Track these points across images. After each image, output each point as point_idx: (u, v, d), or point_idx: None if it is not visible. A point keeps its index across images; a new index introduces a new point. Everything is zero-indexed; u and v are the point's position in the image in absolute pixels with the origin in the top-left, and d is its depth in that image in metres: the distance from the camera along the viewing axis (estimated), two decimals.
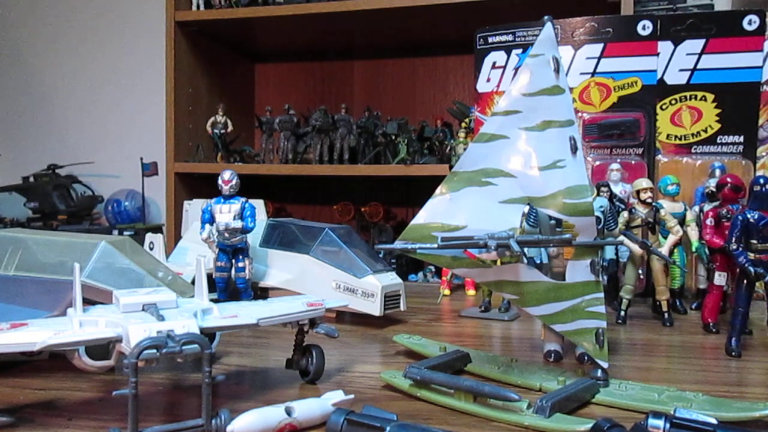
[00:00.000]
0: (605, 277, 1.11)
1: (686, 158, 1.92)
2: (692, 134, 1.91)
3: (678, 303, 1.70)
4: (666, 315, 1.56)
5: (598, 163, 1.96)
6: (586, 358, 1.18)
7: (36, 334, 0.84)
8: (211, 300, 1.00)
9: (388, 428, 0.79)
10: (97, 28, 3.64)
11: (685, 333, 1.50)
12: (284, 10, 2.77)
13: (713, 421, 0.78)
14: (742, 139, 1.87)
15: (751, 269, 1.24)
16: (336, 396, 0.92)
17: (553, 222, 1.08)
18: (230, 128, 2.90)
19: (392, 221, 3.22)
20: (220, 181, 1.55)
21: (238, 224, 1.52)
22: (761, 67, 1.85)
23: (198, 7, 2.92)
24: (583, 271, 1.04)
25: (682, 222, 1.64)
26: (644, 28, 1.93)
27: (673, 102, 1.92)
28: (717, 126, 1.89)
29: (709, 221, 1.49)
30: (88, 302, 0.95)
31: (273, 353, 1.28)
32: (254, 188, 1.94)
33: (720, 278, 1.47)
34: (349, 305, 1.49)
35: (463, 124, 2.54)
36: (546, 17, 1.03)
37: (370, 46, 3.33)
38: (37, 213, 3.23)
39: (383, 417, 0.82)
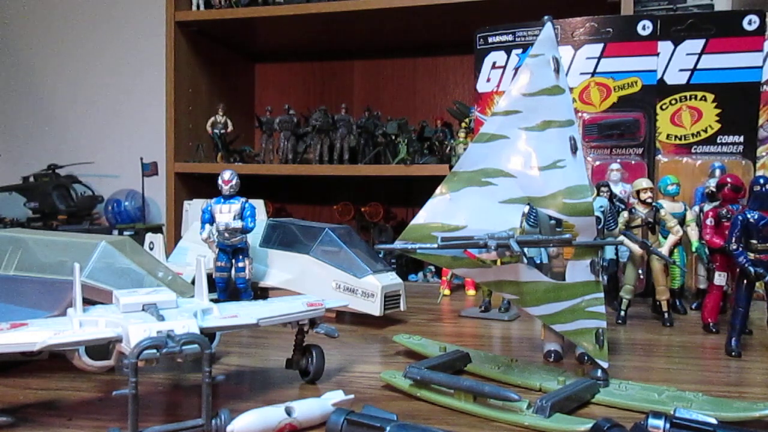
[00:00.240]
0: (605, 277, 1.11)
1: (686, 158, 1.92)
2: (692, 134, 1.91)
3: (678, 303, 1.70)
4: (666, 315, 1.56)
5: (598, 163, 1.96)
6: (586, 358, 1.18)
7: (36, 334, 0.84)
8: (211, 300, 1.00)
9: (388, 428, 0.79)
10: (97, 28, 3.64)
11: (685, 333, 1.50)
12: (284, 10, 2.77)
13: (713, 421, 0.78)
14: (742, 139, 1.87)
15: (751, 269, 1.24)
16: (336, 396, 0.92)
17: (553, 222, 1.08)
18: (230, 128, 2.90)
19: (392, 221, 3.22)
20: (220, 181, 1.55)
21: (238, 224, 1.52)
22: (761, 67, 1.85)
23: (198, 7, 2.92)
24: (583, 271, 1.04)
25: (682, 222, 1.64)
26: (644, 28, 1.93)
27: (673, 102, 1.92)
28: (717, 126, 1.89)
29: (709, 221, 1.49)
30: (88, 302, 0.95)
31: (273, 353, 1.28)
32: (254, 188, 1.94)
33: (720, 278, 1.47)
34: (349, 305, 1.49)
35: (463, 124, 2.54)
36: (546, 17, 1.03)
37: (370, 46, 3.33)
38: (37, 213, 3.23)
39: (383, 417, 0.82)
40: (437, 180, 1.05)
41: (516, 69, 2.05)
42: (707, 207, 1.59)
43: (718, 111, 1.89)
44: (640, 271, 1.63)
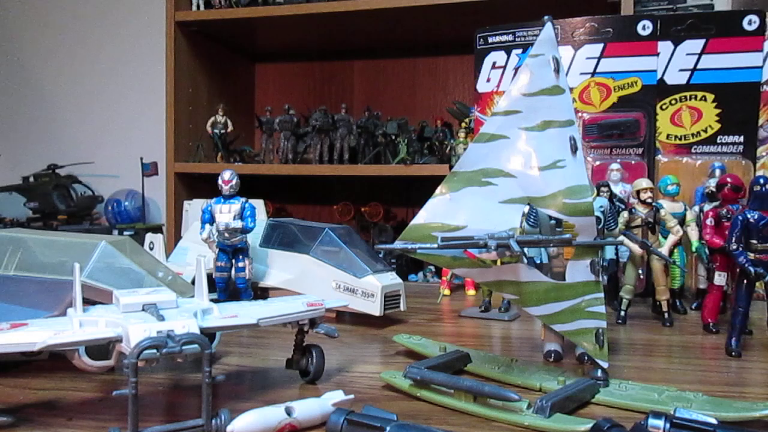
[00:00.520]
0: (605, 277, 1.11)
1: (686, 158, 1.92)
2: (692, 134, 1.91)
3: (678, 303, 1.70)
4: (666, 315, 1.56)
5: (598, 163, 1.96)
6: (586, 358, 1.18)
7: (36, 334, 0.84)
8: (211, 300, 1.00)
9: (388, 428, 0.79)
10: (97, 28, 3.64)
11: (685, 333, 1.50)
12: (284, 10, 2.77)
13: (713, 421, 0.78)
14: (742, 139, 1.87)
15: (751, 269, 1.24)
16: (336, 396, 0.92)
17: (553, 222, 1.08)
18: (230, 128, 2.90)
19: (392, 221, 3.21)
20: (220, 181, 1.55)
21: (238, 224, 1.52)
22: (761, 67, 1.85)
23: (198, 7, 2.91)
24: (583, 271, 1.04)
25: (682, 222, 1.64)
26: (644, 28, 1.93)
27: (673, 102, 1.92)
28: (717, 126, 1.89)
29: (709, 221, 1.49)
30: (88, 302, 0.95)
31: (273, 353, 1.28)
32: (254, 188, 1.94)
33: (720, 278, 1.47)
34: (349, 305, 1.49)
35: (463, 124, 2.54)
36: (546, 17, 1.03)
37: (370, 46, 3.33)
38: (37, 213, 3.23)
39: (383, 417, 0.82)
40: (437, 180, 1.05)
41: (516, 69, 2.05)
42: (707, 207, 1.59)
43: (718, 111, 1.89)
44: (640, 271, 1.63)
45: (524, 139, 1.02)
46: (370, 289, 1.50)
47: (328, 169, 2.79)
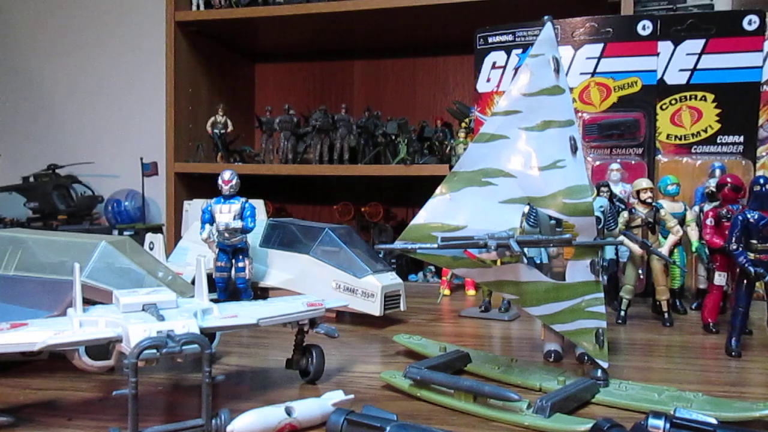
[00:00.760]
0: (605, 277, 1.11)
1: (686, 158, 1.92)
2: (692, 134, 1.91)
3: (678, 303, 1.70)
4: (666, 315, 1.56)
5: (598, 163, 1.96)
6: (586, 358, 1.18)
7: (36, 334, 0.84)
8: (211, 300, 1.00)
9: (388, 428, 0.79)
10: (97, 28, 3.64)
11: (685, 333, 1.50)
12: (284, 10, 2.77)
13: (713, 421, 0.78)
14: (742, 139, 1.87)
15: (751, 269, 1.24)
16: (336, 396, 0.92)
17: (553, 222, 1.08)
18: (230, 128, 2.90)
19: (392, 221, 3.21)
20: (220, 181, 1.55)
21: (238, 224, 1.52)
22: (761, 67, 1.85)
23: (198, 7, 2.91)
24: (583, 271, 1.04)
25: (682, 222, 1.64)
26: (644, 28, 1.93)
27: (673, 102, 1.92)
28: (717, 126, 1.89)
29: (709, 221, 1.49)
30: (88, 302, 0.95)
31: (273, 353, 1.28)
32: (254, 188, 1.94)
33: (720, 278, 1.47)
34: (349, 305, 1.49)
35: (463, 124, 2.54)
36: (546, 17, 1.03)
37: (370, 46, 3.33)
38: (37, 213, 3.23)
39: (383, 417, 0.82)
40: (437, 180, 1.05)
41: (516, 69, 2.05)
42: (707, 207, 1.59)
43: (718, 111, 1.89)
44: (640, 271, 1.63)
45: (524, 139, 1.02)
46: (370, 289, 1.50)
47: (328, 169, 2.79)
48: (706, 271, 1.68)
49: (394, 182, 3.05)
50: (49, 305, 1.12)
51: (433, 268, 2.71)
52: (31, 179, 3.27)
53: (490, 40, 2.13)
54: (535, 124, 1.02)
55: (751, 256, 1.26)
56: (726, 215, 1.46)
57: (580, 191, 0.99)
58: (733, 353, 1.28)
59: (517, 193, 1.01)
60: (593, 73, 1.98)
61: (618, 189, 1.80)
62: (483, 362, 1.17)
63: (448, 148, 2.65)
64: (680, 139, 1.92)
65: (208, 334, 0.91)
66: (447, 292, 1.96)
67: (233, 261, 1.57)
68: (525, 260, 1.02)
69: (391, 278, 1.54)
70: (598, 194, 1.50)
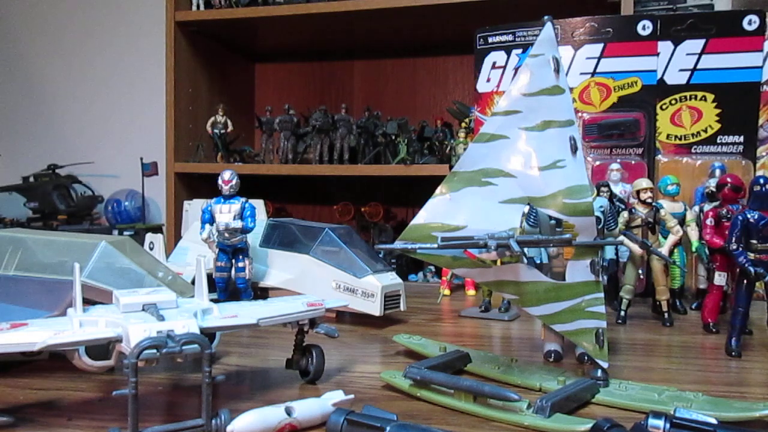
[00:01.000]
0: (605, 277, 1.11)
1: (686, 158, 1.92)
2: (692, 134, 1.91)
3: (678, 303, 1.70)
4: (666, 315, 1.56)
5: (598, 163, 1.96)
6: (586, 358, 1.18)
7: (36, 334, 0.84)
8: (211, 300, 1.00)
9: (388, 428, 0.79)
10: (97, 28, 3.64)
11: (685, 333, 1.50)
12: (284, 10, 2.77)
13: (713, 421, 0.78)
14: (742, 139, 1.87)
15: (751, 269, 1.24)
16: (336, 396, 0.92)
17: (553, 222, 1.08)
18: (230, 128, 2.90)
19: (392, 221, 3.21)
20: (220, 181, 1.55)
21: (238, 224, 1.52)
22: (761, 67, 1.85)
23: (198, 7, 2.91)
24: (583, 271, 1.04)
25: (682, 222, 1.64)
26: (644, 28, 1.93)
27: (673, 102, 1.92)
28: (717, 126, 1.89)
29: (709, 221, 1.49)
30: (88, 302, 0.95)
31: (273, 353, 1.28)
32: (254, 188, 1.94)
33: (720, 278, 1.47)
34: (349, 305, 1.49)
35: (463, 124, 2.53)
36: (546, 17, 1.03)
37: (370, 46, 3.33)
38: (37, 213, 3.23)
39: (383, 417, 0.82)
40: (437, 180, 1.05)
41: (516, 69, 2.05)
42: (707, 207, 1.59)
43: (718, 111, 1.89)
44: (640, 271, 1.63)
45: (524, 139, 1.02)
46: (370, 289, 1.50)
47: (328, 169, 2.79)
48: (706, 271, 1.68)
49: (394, 182, 3.05)
50: (49, 305, 1.12)
51: (433, 268, 2.71)
52: (31, 179, 3.27)
53: (490, 40, 2.13)
54: (535, 124, 1.02)
55: (751, 256, 1.26)
56: (726, 215, 1.46)
57: (580, 191, 0.99)
58: (733, 353, 1.28)
59: (517, 193, 1.01)
60: (593, 73, 1.98)
61: (618, 189, 1.80)
62: (483, 362, 1.17)
63: (448, 148, 2.64)
64: (680, 139, 1.92)
65: (208, 334, 0.91)
66: (447, 292, 1.96)
67: (233, 261, 1.57)
68: (525, 260, 1.02)
69: (391, 278, 1.54)
70: (598, 194, 1.50)
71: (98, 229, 3.07)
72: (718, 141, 1.89)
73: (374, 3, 2.65)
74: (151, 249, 1.81)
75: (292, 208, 3.48)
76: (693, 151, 1.91)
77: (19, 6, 3.77)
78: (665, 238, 1.63)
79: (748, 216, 1.26)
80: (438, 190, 1.04)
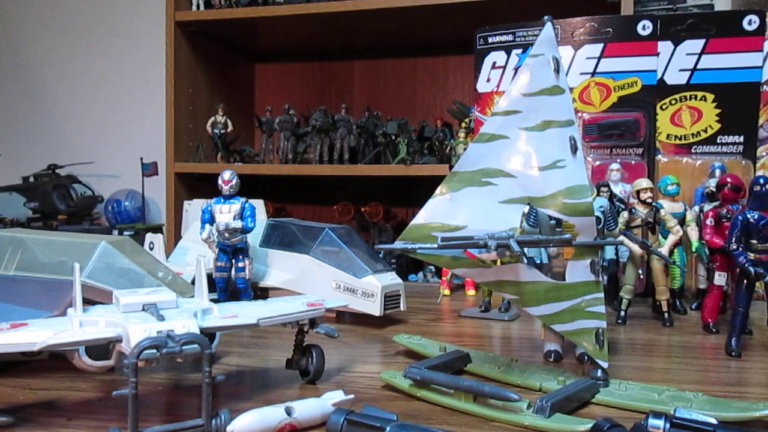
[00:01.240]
0: (605, 277, 1.11)
1: (686, 158, 1.92)
2: (692, 134, 1.91)
3: (678, 303, 1.70)
4: (666, 315, 1.56)
5: (598, 163, 1.96)
6: (586, 358, 1.18)
7: (36, 334, 0.84)
8: (211, 300, 1.00)
9: (388, 428, 0.79)
10: (97, 28, 3.64)
11: (685, 333, 1.50)
12: (284, 10, 2.77)
13: (713, 421, 0.78)
14: (742, 139, 1.87)
15: (751, 269, 1.24)
16: (336, 396, 0.92)
17: (553, 222, 1.08)
18: (230, 128, 2.90)
19: (392, 221, 3.21)
20: (220, 181, 1.55)
21: (238, 224, 1.52)
22: (761, 67, 1.85)
23: (198, 7, 2.91)
24: (583, 271, 1.04)
25: (682, 222, 1.64)
26: (644, 28, 1.93)
27: (673, 102, 1.92)
28: (717, 126, 1.89)
29: (709, 221, 1.49)
30: (88, 302, 0.95)
31: (273, 353, 1.28)
32: (254, 188, 1.94)
33: (720, 278, 1.47)
34: (349, 305, 1.49)
35: (463, 124, 2.53)
36: (546, 17, 1.03)
37: (370, 46, 3.33)
38: (37, 213, 3.23)
39: (383, 417, 0.82)
40: (437, 180, 1.05)
41: (516, 69, 2.05)
42: (707, 207, 1.59)
43: (718, 111, 1.89)
44: (640, 271, 1.63)
45: (524, 139, 1.02)
46: (370, 289, 1.50)
47: (328, 169, 2.79)
48: (706, 271, 1.68)
49: (394, 182, 3.05)
50: (49, 305, 1.12)
51: (433, 268, 2.71)
52: (31, 179, 3.27)
53: (490, 40, 2.13)
54: (535, 124, 1.02)
55: (751, 256, 1.26)
56: (726, 215, 1.46)
57: (580, 191, 0.99)
58: (733, 353, 1.28)
59: (517, 193, 1.01)
60: (593, 73, 1.98)
61: (618, 189, 1.80)
62: (483, 362, 1.17)
63: (448, 148, 2.64)
64: (680, 139, 1.92)
65: (208, 334, 0.91)
66: (447, 292, 1.95)
67: (233, 261, 1.57)
68: (525, 260, 1.02)
69: (391, 278, 1.54)
70: (598, 194, 1.50)
71: (98, 229, 3.07)
72: (718, 141, 1.89)
73: (374, 3, 2.65)
74: (151, 249, 1.81)
75: (292, 208, 3.48)
76: (693, 151, 1.91)
77: (19, 6, 3.77)
78: (665, 238, 1.63)
79: (748, 216, 1.26)
80: (438, 190, 1.04)
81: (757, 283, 1.28)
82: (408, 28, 2.97)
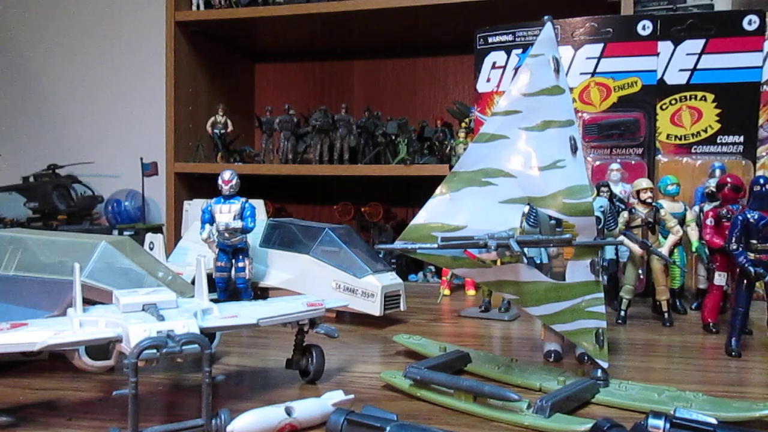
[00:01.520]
0: (605, 277, 1.11)
1: (686, 158, 1.92)
2: (692, 134, 1.91)
3: (678, 303, 1.70)
4: (666, 315, 1.56)
5: (598, 163, 1.96)
6: (586, 358, 1.18)
7: (36, 334, 0.84)
8: (211, 300, 1.00)
9: (388, 428, 0.79)
10: (97, 28, 3.64)
11: (685, 333, 1.50)
12: (284, 10, 2.77)
13: (713, 421, 0.78)
14: (742, 139, 1.87)
15: (751, 269, 1.24)
16: (336, 396, 0.92)
17: (553, 222, 1.08)
18: (230, 128, 2.90)
19: (392, 221, 3.21)
20: (220, 181, 1.55)
21: (238, 224, 1.52)
22: (761, 67, 1.85)
23: (198, 7, 2.91)
24: (583, 271, 1.04)
25: (682, 222, 1.64)
26: (644, 28, 1.93)
27: (673, 102, 1.92)
28: (717, 126, 1.89)
29: (709, 221, 1.49)
30: (88, 302, 0.95)
31: (273, 353, 1.28)
32: (254, 188, 1.94)
33: (720, 278, 1.47)
34: (349, 305, 1.49)
35: (463, 124, 2.54)
36: (546, 17, 1.03)
37: (370, 46, 3.33)
38: (37, 213, 3.23)
39: (383, 417, 0.82)
40: (437, 180, 1.05)
41: (516, 69, 2.05)
42: (707, 207, 1.59)
43: (718, 111, 1.89)
44: (640, 271, 1.63)
45: (524, 139, 1.02)
46: (370, 289, 1.50)
47: (328, 169, 2.79)
48: (706, 271, 1.68)
49: (394, 182, 3.06)
50: (49, 305, 1.12)
51: (433, 268, 2.71)
52: (31, 179, 3.27)
53: (490, 40, 2.13)
54: (535, 124, 1.02)
55: (751, 256, 1.26)
56: (726, 215, 1.46)
57: (580, 191, 0.99)
58: (733, 353, 1.28)
59: (517, 193, 1.01)
60: (593, 73, 1.98)
61: (618, 189, 1.80)
62: (483, 362, 1.17)
63: (448, 148, 2.65)
64: (680, 139, 1.92)
65: (208, 334, 0.91)
66: (447, 292, 1.95)
67: (233, 261, 1.57)
68: (525, 260, 1.02)
69: (391, 278, 1.54)
70: (598, 194, 1.50)
71: (98, 229, 3.07)
72: (718, 141, 1.89)
73: (374, 3, 2.65)
74: (151, 249, 1.81)
75: (292, 208, 3.48)
76: (693, 151, 1.91)
77: (19, 6, 3.77)
78: (665, 238, 1.63)
79: (748, 216, 1.26)
80: (438, 190, 1.04)
81: (757, 283, 1.28)
82: (408, 28, 2.97)
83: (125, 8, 3.58)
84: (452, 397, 0.97)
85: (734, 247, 1.27)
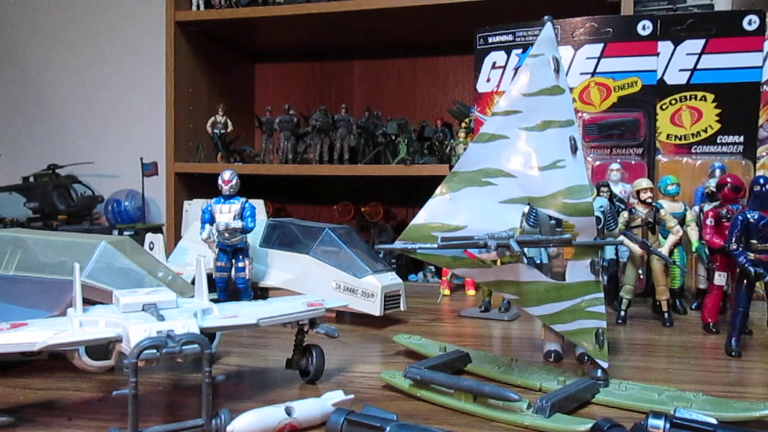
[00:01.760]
0: (605, 277, 1.11)
1: (686, 158, 1.92)
2: (692, 134, 1.91)
3: (678, 303, 1.70)
4: (666, 315, 1.56)
5: (598, 163, 1.96)
6: (586, 358, 1.18)
7: (36, 334, 0.84)
8: (211, 300, 1.00)
9: (388, 428, 0.79)
10: (97, 28, 3.64)
11: (685, 333, 1.50)
12: (284, 10, 2.77)
13: (713, 421, 0.78)
14: (742, 139, 1.87)
15: (751, 269, 1.24)
16: (336, 396, 0.92)
17: (553, 222, 1.08)
18: (230, 128, 2.90)
19: (392, 221, 3.21)
20: (220, 181, 1.55)
21: (238, 224, 1.52)
22: (761, 67, 1.85)
23: (198, 7, 2.91)
24: (583, 271, 1.04)
25: (682, 222, 1.64)
26: (644, 28, 1.93)
27: (673, 102, 1.92)
28: (717, 126, 1.89)
29: (709, 221, 1.49)
30: (88, 302, 0.95)
31: (273, 353, 1.28)
32: (254, 188, 1.94)
33: (720, 278, 1.47)
34: (349, 305, 1.49)
35: (463, 124, 2.53)
36: (546, 17, 1.03)
37: (370, 46, 3.33)
38: (37, 213, 3.23)
39: (383, 417, 0.82)
40: (437, 180, 1.05)
41: (516, 69, 2.05)
42: (707, 207, 1.59)
43: (718, 111, 1.89)
44: (640, 271, 1.63)
45: (524, 139, 1.02)
46: (370, 289, 1.50)
47: (328, 169, 2.79)
48: (706, 271, 1.68)
49: (394, 182, 3.05)
50: (49, 305, 1.12)
51: (433, 268, 2.70)
52: (31, 179, 3.27)
53: (490, 40, 2.13)
54: (535, 124, 1.02)
55: (751, 256, 1.26)
56: (726, 215, 1.46)
57: (580, 191, 0.99)
58: (733, 353, 1.28)
59: (517, 193, 1.01)
60: (593, 73, 1.98)
61: (618, 189, 1.80)
62: (483, 362, 1.17)
63: (448, 148, 2.64)
64: (680, 139, 1.92)
65: (208, 334, 0.91)
66: (447, 292, 1.96)
67: (233, 261, 1.57)
68: (525, 260, 1.02)
69: (391, 278, 1.54)
70: (598, 194, 1.50)
71: (98, 229, 3.06)
72: (718, 141, 1.89)
73: (374, 3, 2.65)
74: (151, 249, 1.81)
75: (292, 208, 3.47)
76: (693, 151, 1.91)
77: (19, 6, 3.77)
78: (665, 238, 1.63)
79: (748, 216, 1.26)
80: (438, 190, 1.04)
81: (757, 283, 1.28)
82: (408, 28, 2.97)
83: (125, 8, 3.58)
84: (452, 397, 0.97)
85: (734, 247, 1.27)
